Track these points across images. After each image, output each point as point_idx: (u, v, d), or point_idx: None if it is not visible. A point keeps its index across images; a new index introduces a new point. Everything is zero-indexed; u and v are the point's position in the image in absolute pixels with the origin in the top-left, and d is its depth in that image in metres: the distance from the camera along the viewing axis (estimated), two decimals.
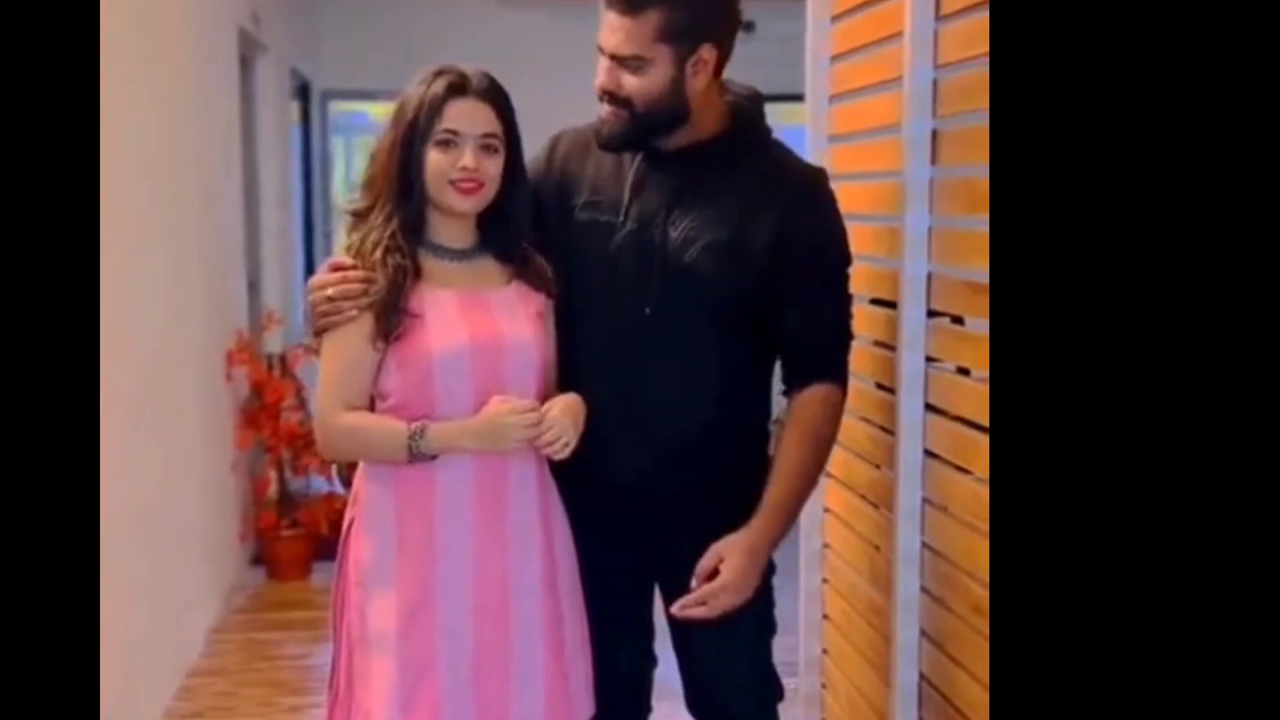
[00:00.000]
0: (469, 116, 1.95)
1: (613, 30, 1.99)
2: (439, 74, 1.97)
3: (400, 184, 1.96)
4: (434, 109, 1.94)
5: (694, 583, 2.02)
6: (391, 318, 1.92)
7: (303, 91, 7.23)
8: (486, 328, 1.97)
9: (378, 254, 1.94)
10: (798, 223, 2.04)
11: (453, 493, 1.97)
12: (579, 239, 2.08)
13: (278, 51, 5.97)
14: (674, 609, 2.04)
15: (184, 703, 3.68)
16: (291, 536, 4.83)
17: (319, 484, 5.18)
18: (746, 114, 2.13)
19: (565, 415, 1.95)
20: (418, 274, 1.96)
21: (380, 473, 2.00)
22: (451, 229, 2.01)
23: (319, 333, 1.99)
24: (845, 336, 2.14)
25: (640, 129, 2.04)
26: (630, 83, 2.00)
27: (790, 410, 2.09)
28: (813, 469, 2.10)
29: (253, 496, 4.94)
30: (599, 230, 2.07)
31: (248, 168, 5.36)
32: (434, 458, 1.93)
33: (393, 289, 1.92)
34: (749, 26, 8.77)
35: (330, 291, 1.95)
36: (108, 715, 2.12)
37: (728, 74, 2.18)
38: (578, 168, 2.13)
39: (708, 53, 2.01)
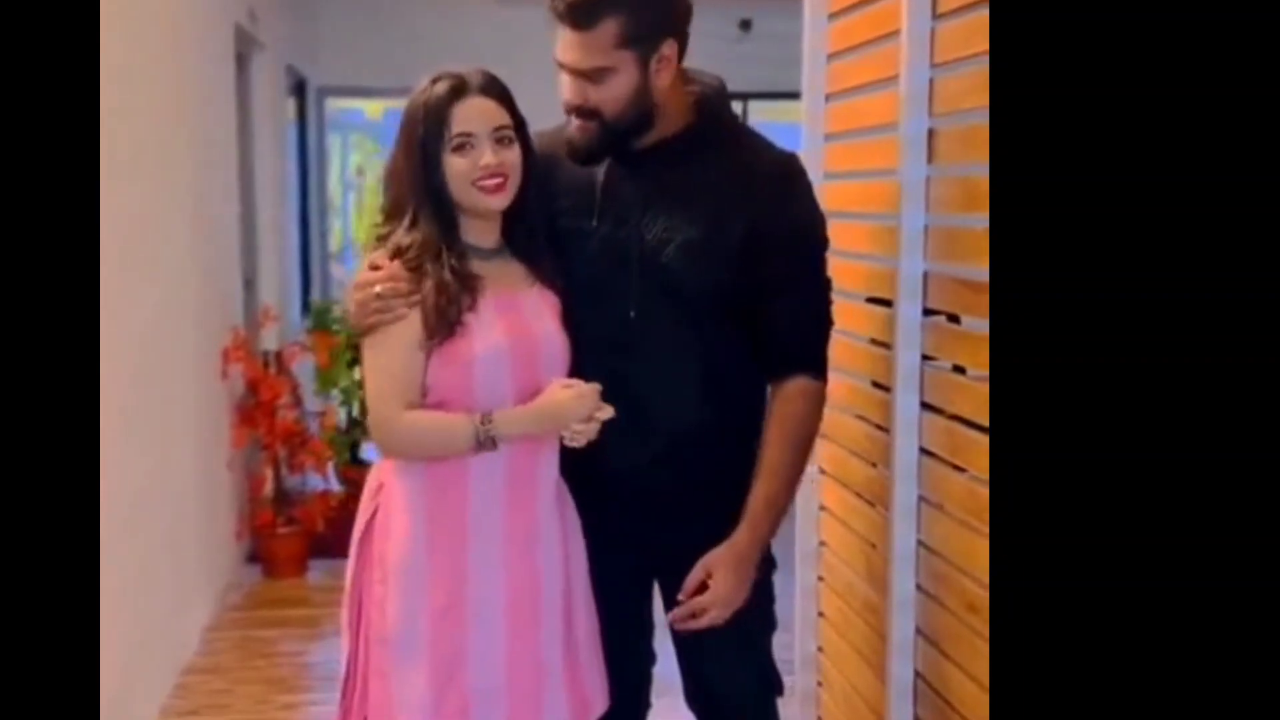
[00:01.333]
0: (477, 115, 1.95)
1: (570, 46, 1.98)
2: (436, 80, 1.97)
3: (425, 194, 1.96)
4: (440, 115, 1.94)
5: (681, 596, 2.04)
6: (446, 327, 1.92)
7: (299, 88, 7.23)
8: (521, 328, 1.98)
9: (428, 260, 1.94)
10: (772, 215, 2.03)
11: (486, 483, 1.98)
12: (561, 246, 2.08)
13: (274, 48, 5.97)
14: (668, 619, 2.06)
15: (180, 700, 3.68)
16: (287, 534, 4.84)
17: (315, 481, 5.19)
18: (713, 106, 2.11)
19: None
20: (475, 281, 1.96)
21: (411, 464, 2.00)
22: (480, 229, 2.02)
23: (364, 331, 1.98)
24: (824, 326, 2.13)
25: (611, 137, 2.03)
26: (596, 94, 1.99)
27: (772, 407, 2.09)
28: (794, 468, 2.10)
29: (248, 494, 4.94)
30: (575, 236, 2.07)
31: (244, 165, 5.36)
32: (495, 446, 1.94)
33: (458, 298, 1.93)
34: (745, 24, 8.80)
35: (379, 289, 1.94)
36: (104, 713, 2.12)
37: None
38: (552, 173, 2.11)
39: (669, 48, 1.99)
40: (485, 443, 1.93)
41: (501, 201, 1.98)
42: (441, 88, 1.95)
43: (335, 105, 8.07)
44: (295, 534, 4.84)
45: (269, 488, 4.95)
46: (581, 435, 1.95)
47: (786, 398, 2.07)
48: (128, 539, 3.22)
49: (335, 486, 5.09)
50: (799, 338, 2.09)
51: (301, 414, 5.07)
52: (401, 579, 1.97)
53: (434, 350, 1.94)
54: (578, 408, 1.94)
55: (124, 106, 3.20)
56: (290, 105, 6.89)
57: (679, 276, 2.02)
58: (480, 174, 1.95)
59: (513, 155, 1.98)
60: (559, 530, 2.05)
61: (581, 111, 2.02)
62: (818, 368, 2.11)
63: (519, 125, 2.00)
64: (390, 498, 2.01)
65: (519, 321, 1.99)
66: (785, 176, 2.09)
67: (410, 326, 1.93)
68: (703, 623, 2.03)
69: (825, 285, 2.13)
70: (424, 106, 1.95)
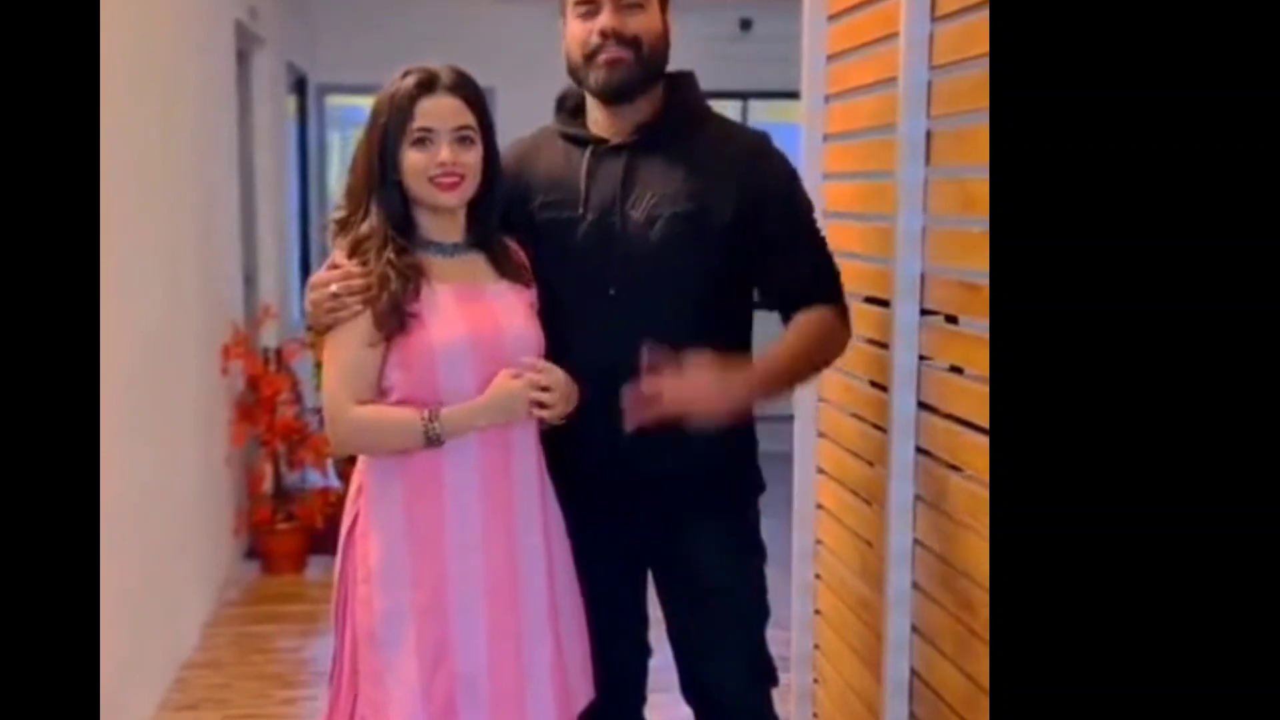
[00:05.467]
0: (440, 112, 1.97)
1: None
2: (407, 74, 1.99)
3: (382, 186, 1.99)
4: (404, 109, 1.97)
5: (643, 356, 1.93)
6: (393, 318, 1.94)
7: (299, 85, 7.23)
8: (485, 321, 1.99)
9: (372, 252, 1.96)
10: (759, 180, 2.08)
11: (461, 479, 1.99)
12: (543, 239, 2.11)
13: (275, 45, 5.97)
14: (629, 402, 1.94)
15: (179, 695, 3.69)
16: (286, 530, 4.84)
17: (314, 478, 5.19)
18: (682, 89, 2.17)
19: (566, 381, 1.98)
20: (421, 273, 1.97)
21: (386, 466, 2.01)
22: (441, 225, 2.04)
23: (324, 330, 2.00)
24: (834, 269, 2.15)
25: (644, 71, 2.08)
26: (634, 21, 2.05)
27: (800, 321, 2.08)
28: (804, 356, 2.08)
29: (247, 490, 4.94)
30: (561, 226, 2.10)
31: (244, 162, 5.36)
32: (442, 442, 1.95)
33: (396, 289, 1.94)
34: (746, 24, 8.78)
35: (334, 288, 1.96)
36: (103, 707, 2.13)
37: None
38: (530, 172, 2.16)
39: (669, 12, 2.10)
40: (433, 439, 1.94)
41: (453, 199, 2.00)
42: (410, 82, 1.98)
43: (335, 102, 8.06)
44: (294, 530, 4.85)
45: (268, 484, 4.96)
46: (548, 413, 1.96)
47: (805, 315, 2.08)
48: (127, 535, 3.22)
49: (334, 483, 5.09)
50: (812, 282, 2.11)
51: (301, 410, 5.07)
52: (384, 578, 1.99)
53: (391, 346, 1.96)
54: (521, 386, 1.95)
55: (125, 103, 3.21)
56: (291, 102, 6.89)
57: (670, 253, 2.04)
58: (436, 171, 1.96)
59: (471, 156, 1.99)
60: (539, 519, 2.06)
61: (620, 38, 2.05)
62: (836, 300, 2.12)
63: (485, 127, 2.02)
64: (369, 499, 2.03)
65: (483, 314, 2.00)
66: (763, 148, 2.15)
67: (363, 322, 1.95)
68: (666, 404, 1.90)
69: (823, 239, 2.17)
70: (390, 99, 1.98)
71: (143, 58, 3.52)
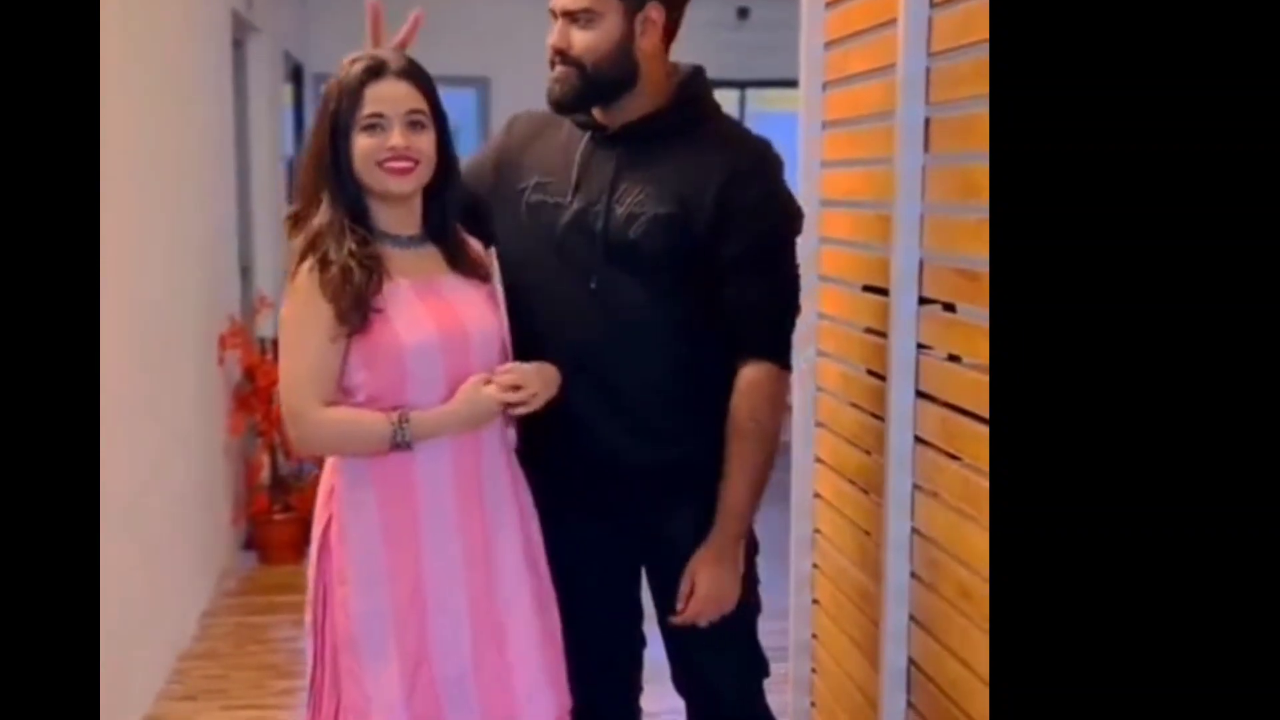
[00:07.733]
0: (390, 96, 1.93)
1: None
2: (355, 60, 1.96)
3: (333, 175, 1.94)
4: (354, 94, 1.92)
5: (679, 605, 2.09)
6: (356, 313, 1.89)
7: (295, 74, 7.21)
8: (449, 317, 1.96)
9: (331, 243, 1.92)
10: (742, 192, 2.02)
11: (433, 478, 1.97)
12: (529, 221, 2.10)
13: (270, 34, 5.96)
14: (673, 620, 2.11)
15: (176, 685, 3.69)
16: (283, 520, 4.84)
17: (310, 468, 5.18)
18: (693, 89, 2.13)
19: (537, 373, 1.97)
20: (383, 265, 1.93)
21: (357, 467, 1.98)
22: (396, 216, 1.99)
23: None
24: (790, 311, 2.12)
25: (590, 88, 2.05)
26: (580, 39, 2.02)
27: (732, 400, 2.07)
28: (755, 467, 2.08)
29: (245, 480, 4.94)
30: (548, 212, 2.09)
31: (240, 151, 5.35)
32: (411, 446, 1.93)
33: (360, 281, 1.89)
34: (743, 12, 8.76)
35: None
36: (102, 698, 2.13)
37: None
38: (529, 151, 2.15)
39: (655, 12, 2.03)
40: (401, 445, 1.91)
41: (404, 184, 1.95)
42: (358, 68, 1.94)
43: None
44: (291, 520, 4.84)
45: (265, 474, 4.96)
46: (524, 408, 1.95)
47: (741, 392, 2.06)
48: (126, 525, 3.22)
49: None
50: (763, 319, 2.08)
51: None
52: (361, 578, 1.97)
53: (352, 344, 1.91)
54: (490, 392, 1.94)
55: (122, 92, 3.20)
56: (286, 91, 6.87)
57: (647, 251, 2.02)
58: (385, 155, 1.92)
59: (424, 141, 1.95)
60: (514, 512, 2.05)
61: (566, 58, 2.03)
62: (774, 351, 2.09)
63: (437, 113, 1.98)
64: (342, 503, 1.99)
65: (446, 311, 1.96)
66: (760, 159, 2.10)
67: (325, 317, 1.90)
68: (707, 619, 2.09)
69: (793, 271, 2.13)
70: (339, 86, 1.94)
71: (139, 47, 3.51)
